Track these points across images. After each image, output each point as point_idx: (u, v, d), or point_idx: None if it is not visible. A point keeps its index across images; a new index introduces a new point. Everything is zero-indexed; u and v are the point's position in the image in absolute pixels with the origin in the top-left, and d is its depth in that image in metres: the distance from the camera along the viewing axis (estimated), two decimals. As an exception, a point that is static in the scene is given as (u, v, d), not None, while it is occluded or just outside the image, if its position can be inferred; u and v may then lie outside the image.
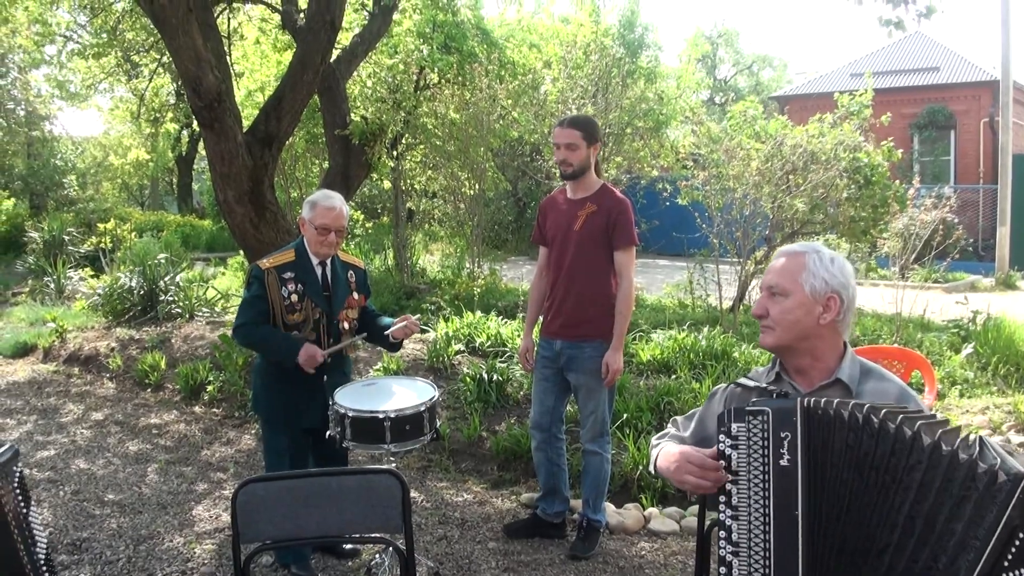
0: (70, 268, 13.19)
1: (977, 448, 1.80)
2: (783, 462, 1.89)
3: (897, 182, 10.12)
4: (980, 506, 1.76)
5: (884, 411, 1.88)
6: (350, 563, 4.35)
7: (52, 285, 12.43)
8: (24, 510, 2.38)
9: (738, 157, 9.26)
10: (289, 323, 3.89)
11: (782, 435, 1.90)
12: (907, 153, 20.48)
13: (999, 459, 1.77)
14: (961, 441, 1.82)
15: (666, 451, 2.22)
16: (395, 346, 4.20)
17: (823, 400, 1.92)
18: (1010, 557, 1.74)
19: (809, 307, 2.18)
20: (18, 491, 2.37)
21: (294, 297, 3.87)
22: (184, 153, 27.46)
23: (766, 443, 1.91)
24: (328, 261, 4.00)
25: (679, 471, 2.08)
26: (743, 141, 9.64)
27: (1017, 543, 1.74)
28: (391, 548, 3.95)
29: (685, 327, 7.92)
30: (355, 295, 4.11)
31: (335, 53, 9.02)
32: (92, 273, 12.38)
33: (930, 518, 1.80)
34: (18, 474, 2.39)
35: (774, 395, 2.05)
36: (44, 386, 8.17)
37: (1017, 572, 1.74)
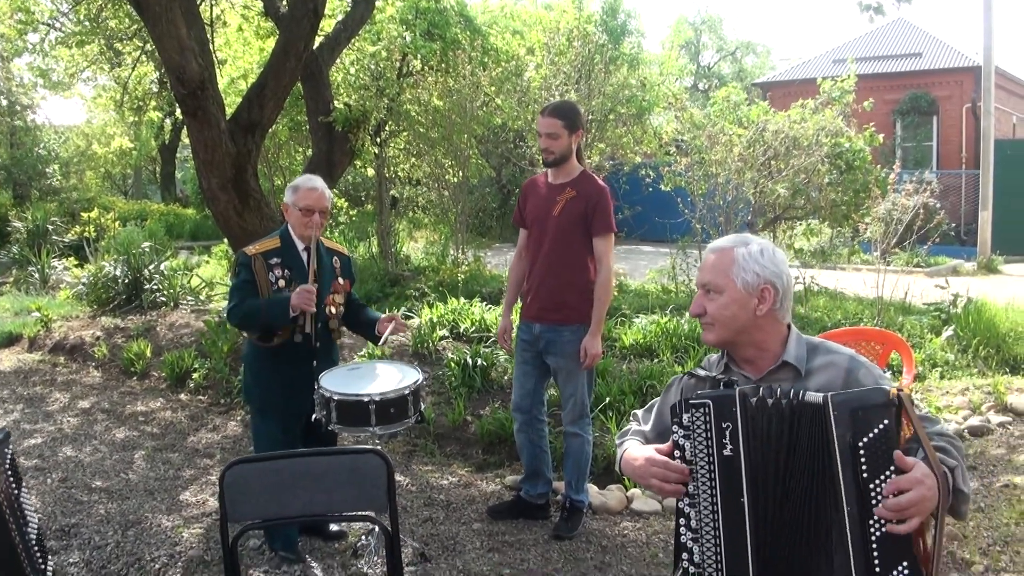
0: (54, 257, 13.14)
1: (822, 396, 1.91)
2: (727, 452, 1.95)
3: (879, 167, 10.24)
4: (826, 444, 1.87)
5: (792, 391, 1.96)
6: (337, 545, 4.40)
7: (36, 275, 12.37)
8: (16, 491, 2.43)
9: (721, 143, 9.33)
10: None
11: (723, 425, 1.96)
12: (889, 139, 20.58)
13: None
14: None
15: (631, 453, 2.25)
16: (379, 338, 4.25)
17: (760, 389, 1.98)
18: (864, 469, 1.82)
19: (744, 301, 2.16)
20: (9, 473, 2.41)
21: (281, 282, 3.92)
22: (167, 141, 27.35)
23: (709, 434, 1.97)
24: (313, 247, 4.04)
25: (644, 474, 2.11)
26: (726, 127, 9.72)
27: (862, 454, 1.82)
28: (377, 530, 4.01)
29: (668, 312, 7.98)
30: (340, 280, 4.16)
31: (318, 40, 9.00)
32: (76, 262, 12.33)
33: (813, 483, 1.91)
34: (9, 456, 2.44)
35: (720, 385, 2.10)
36: (30, 375, 8.17)
37: (884, 476, 1.81)
